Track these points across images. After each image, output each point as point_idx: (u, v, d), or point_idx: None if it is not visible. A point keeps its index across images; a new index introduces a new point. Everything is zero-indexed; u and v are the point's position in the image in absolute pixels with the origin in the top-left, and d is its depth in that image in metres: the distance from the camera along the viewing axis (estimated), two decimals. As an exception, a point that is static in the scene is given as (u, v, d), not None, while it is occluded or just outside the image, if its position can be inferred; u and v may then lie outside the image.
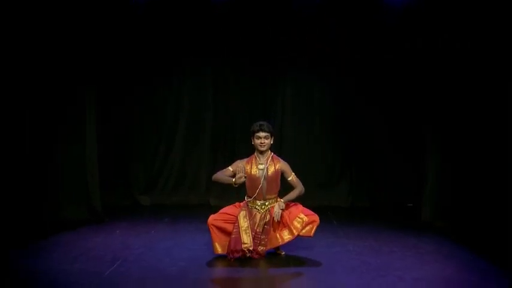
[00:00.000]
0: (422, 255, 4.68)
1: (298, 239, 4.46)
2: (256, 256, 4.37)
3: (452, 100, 5.82)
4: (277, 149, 6.51)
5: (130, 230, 5.49)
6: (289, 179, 4.56)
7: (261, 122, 4.53)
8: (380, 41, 6.76)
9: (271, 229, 4.43)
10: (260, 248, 4.37)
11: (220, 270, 4.29)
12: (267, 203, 4.50)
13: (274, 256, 4.52)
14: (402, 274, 4.10)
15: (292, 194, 4.54)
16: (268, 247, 4.43)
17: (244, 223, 4.38)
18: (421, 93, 6.23)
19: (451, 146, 5.85)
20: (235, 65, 7.02)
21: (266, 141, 4.48)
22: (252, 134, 4.54)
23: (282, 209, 4.44)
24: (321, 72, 7.05)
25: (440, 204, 5.90)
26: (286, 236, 4.42)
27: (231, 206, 4.60)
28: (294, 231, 4.38)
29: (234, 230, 4.36)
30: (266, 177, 4.47)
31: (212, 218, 4.42)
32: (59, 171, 5.82)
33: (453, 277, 4.09)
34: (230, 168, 4.52)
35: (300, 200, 4.62)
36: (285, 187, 4.65)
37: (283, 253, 4.59)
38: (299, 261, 4.44)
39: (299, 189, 4.56)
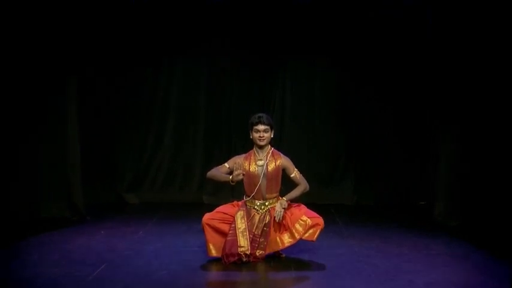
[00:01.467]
0: (434, 258, 4.67)
1: (300, 241, 4.40)
2: (253, 260, 4.32)
3: (464, 90, 5.80)
4: (276, 144, 6.48)
5: (116, 230, 5.47)
6: (291, 175, 4.51)
7: (260, 114, 4.48)
8: (384, 32, 6.74)
9: (271, 231, 4.39)
10: (258, 252, 4.34)
11: (214, 274, 4.26)
12: (267, 203, 4.45)
13: (273, 259, 4.48)
14: (412, 278, 4.08)
15: (296, 192, 4.49)
16: (267, 251, 4.39)
17: (241, 224, 4.34)
18: (430, 84, 6.23)
19: (465, 138, 5.83)
20: (231, 54, 6.97)
21: (265, 134, 4.42)
22: (250, 127, 4.49)
23: (284, 208, 4.39)
24: (321, 64, 7.02)
25: (454, 202, 5.88)
26: (286, 240, 4.37)
27: (228, 204, 4.56)
28: (296, 234, 4.33)
29: (230, 232, 4.31)
30: (266, 174, 4.42)
31: (207, 217, 4.37)
32: (37, 166, 5.76)
33: (468, 281, 4.07)
34: (226, 164, 4.48)
35: (302, 198, 4.58)
36: (287, 186, 4.61)
37: (284, 255, 4.56)
38: (301, 264, 4.41)
39: (303, 186, 4.51)
